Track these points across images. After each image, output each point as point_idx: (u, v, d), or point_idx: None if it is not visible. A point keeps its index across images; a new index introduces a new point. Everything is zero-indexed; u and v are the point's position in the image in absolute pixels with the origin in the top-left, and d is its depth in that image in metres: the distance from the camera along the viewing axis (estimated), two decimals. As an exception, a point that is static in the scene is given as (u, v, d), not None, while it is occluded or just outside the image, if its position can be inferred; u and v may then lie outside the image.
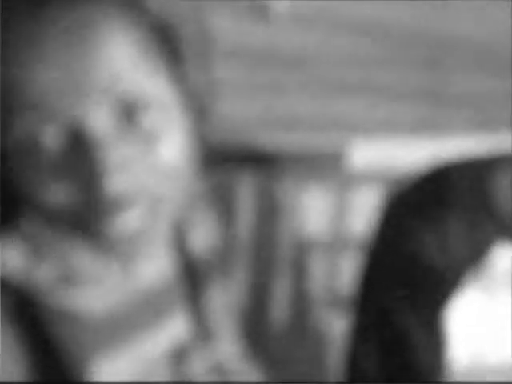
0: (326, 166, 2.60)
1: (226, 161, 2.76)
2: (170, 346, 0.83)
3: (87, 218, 0.71)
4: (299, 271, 0.97)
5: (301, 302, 1.00)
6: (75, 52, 0.67)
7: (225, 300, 0.88)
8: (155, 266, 0.82)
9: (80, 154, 0.70)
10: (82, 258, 0.79)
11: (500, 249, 1.00)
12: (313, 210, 2.81)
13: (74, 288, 0.78)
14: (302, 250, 1.00)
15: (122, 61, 0.69)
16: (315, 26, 6.14)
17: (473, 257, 1.01)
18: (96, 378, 0.78)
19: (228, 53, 6.00)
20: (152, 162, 0.72)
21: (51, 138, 0.69)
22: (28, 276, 0.76)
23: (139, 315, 0.81)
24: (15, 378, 0.75)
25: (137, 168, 0.71)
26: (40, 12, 0.67)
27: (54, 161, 0.70)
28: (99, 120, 0.69)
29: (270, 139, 2.78)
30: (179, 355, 0.84)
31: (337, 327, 1.36)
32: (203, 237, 0.87)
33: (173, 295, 0.83)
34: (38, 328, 0.76)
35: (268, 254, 0.94)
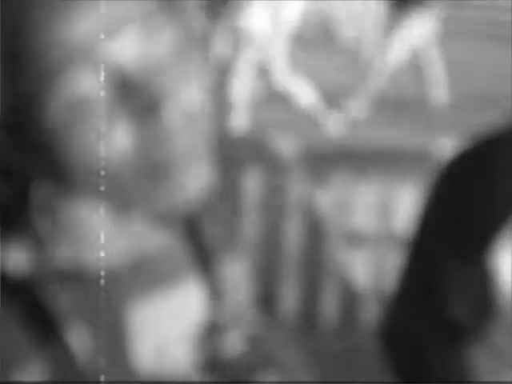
0: (414, 162, 2.64)
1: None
2: (188, 317, 0.82)
3: (145, 158, 0.70)
4: None
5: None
6: None
7: (239, 268, 0.90)
8: (158, 233, 0.82)
9: (130, 92, 0.68)
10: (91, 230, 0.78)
11: None
12: (401, 206, 2.84)
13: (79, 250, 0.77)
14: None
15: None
16: None
17: None
18: (135, 326, 0.78)
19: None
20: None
21: (97, 86, 0.67)
22: (35, 269, 0.74)
23: (147, 275, 0.80)
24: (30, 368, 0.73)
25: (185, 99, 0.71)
26: None
27: (106, 108, 0.68)
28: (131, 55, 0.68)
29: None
30: (200, 326, 0.83)
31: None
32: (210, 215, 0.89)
33: (179, 261, 0.83)
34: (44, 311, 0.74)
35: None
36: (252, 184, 2.84)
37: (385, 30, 6.21)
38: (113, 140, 0.68)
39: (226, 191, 0.82)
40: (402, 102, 6.36)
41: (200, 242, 0.87)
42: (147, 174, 0.70)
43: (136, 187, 0.71)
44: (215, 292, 0.85)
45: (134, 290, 0.78)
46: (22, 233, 0.74)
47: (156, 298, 0.80)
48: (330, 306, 2.97)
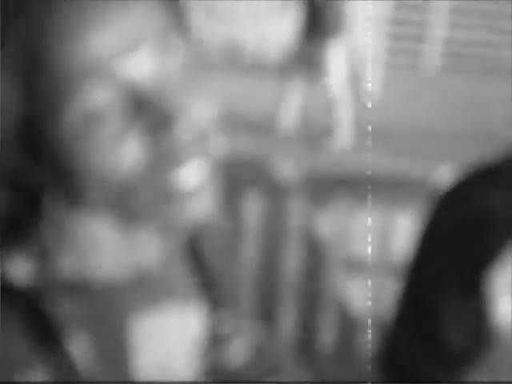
0: (414, 190, 2.65)
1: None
2: (189, 331, 0.83)
3: (155, 173, 0.70)
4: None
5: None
6: (122, 14, 0.69)
7: (236, 276, 0.92)
8: (162, 250, 0.83)
9: (143, 108, 0.69)
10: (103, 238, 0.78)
11: None
12: (400, 232, 2.84)
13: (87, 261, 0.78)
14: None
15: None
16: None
17: None
18: (137, 339, 0.79)
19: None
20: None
21: (111, 101, 0.68)
22: (39, 279, 0.75)
23: (150, 291, 0.81)
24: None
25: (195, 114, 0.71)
26: None
27: (119, 123, 0.69)
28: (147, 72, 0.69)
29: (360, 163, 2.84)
30: (202, 338, 0.84)
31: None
32: (211, 235, 0.91)
33: (181, 277, 0.85)
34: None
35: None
36: (252, 208, 2.85)
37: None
38: (124, 155, 0.69)
39: (227, 214, 0.81)
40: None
41: (201, 259, 0.88)
42: (157, 189, 0.71)
43: (145, 202, 0.71)
44: (216, 305, 0.86)
45: (136, 304, 0.79)
46: (28, 243, 0.75)
47: (158, 313, 0.80)
48: (328, 332, 2.96)
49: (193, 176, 0.71)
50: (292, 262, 2.94)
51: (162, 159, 0.70)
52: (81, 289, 0.76)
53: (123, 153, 0.69)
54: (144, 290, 0.80)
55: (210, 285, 0.87)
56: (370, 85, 6.93)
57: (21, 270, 0.74)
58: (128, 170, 0.69)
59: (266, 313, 2.87)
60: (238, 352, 0.86)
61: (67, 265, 0.76)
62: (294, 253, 2.94)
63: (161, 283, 0.82)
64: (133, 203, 0.72)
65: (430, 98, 7.31)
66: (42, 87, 0.68)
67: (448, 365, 1.15)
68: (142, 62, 0.69)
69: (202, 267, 0.87)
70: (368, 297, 2.93)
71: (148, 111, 0.69)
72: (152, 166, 0.70)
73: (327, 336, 2.95)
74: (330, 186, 2.89)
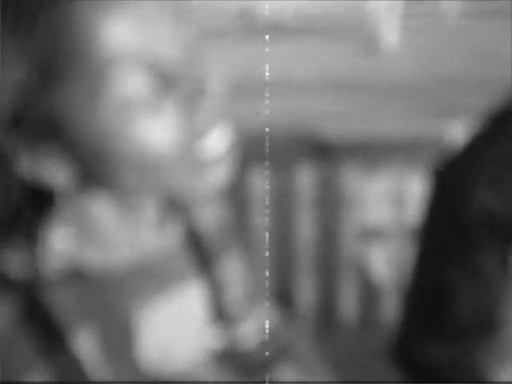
0: (430, 150, 2.58)
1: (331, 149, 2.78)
2: (194, 318, 0.83)
3: (189, 145, 0.73)
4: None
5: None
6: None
7: (240, 269, 0.90)
8: (161, 236, 0.84)
9: (174, 82, 0.72)
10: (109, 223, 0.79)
11: None
12: (414, 198, 2.80)
13: (90, 251, 0.78)
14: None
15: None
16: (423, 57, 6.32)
17: None
18: (141, 328, 0.79)
19: (339, 84, 6.20)
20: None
21: (143, 84, 0.70)
22: (38, 271, 0.74)
23: (152, 278, 0.82)
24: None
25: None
26: None
27: (153, 102, 0.71)
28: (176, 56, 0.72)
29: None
30: (212, 322, 0.84)
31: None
32: (211, 217, 0.90)
33: (181, 263, 0.85)
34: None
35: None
36: (264, 178, 2.83)
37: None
38: (160, 132, 0.71)
39: (235, 186, 0.83)
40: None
41: (201, 241, 0.87)
42: (189, 161, 0.72)
43: (179, 177, 0.73)
44: (221, 288, 0.86)
45: (139, 291, 0.79)
46: (24, 232, 0.75)
47: (161, 299, 0.81)
48: (348, 300, 2.94)
49: (217, 144, 0.74)
50: (308, 229, 2.91)
51: (196, 130, 0.72)
52: (80, 277, 0.76)
53: (159, 131, 0.71)
54: (146, 276, 0.80)
55: (211, 267, 0.87)
56: (387, 35, 6.86)
57: (17, 261, 0.73)
58: (164, 148, 0.71)
59: (285, 283, 2.86)
60: (248, 334, 0.86)
61: (66, 252, 0.76)
62: (309, 220, 2.91)
63: (163, 269, 0.82)
64: (167, 180, 0.73)
65: (450, 46, 7.19)
66: (72, 77, 0.69)
67: (458, 342, 1.12)
68: (164, 39, 0.71)
69: (203, 249, 0.87)
70: (388, 262, 2.91)
71: (180, 84, 0.71)
72: (187, 139, 0.72)
73: (348, 306, 2.93)
74: (341, 152, 2.84)
